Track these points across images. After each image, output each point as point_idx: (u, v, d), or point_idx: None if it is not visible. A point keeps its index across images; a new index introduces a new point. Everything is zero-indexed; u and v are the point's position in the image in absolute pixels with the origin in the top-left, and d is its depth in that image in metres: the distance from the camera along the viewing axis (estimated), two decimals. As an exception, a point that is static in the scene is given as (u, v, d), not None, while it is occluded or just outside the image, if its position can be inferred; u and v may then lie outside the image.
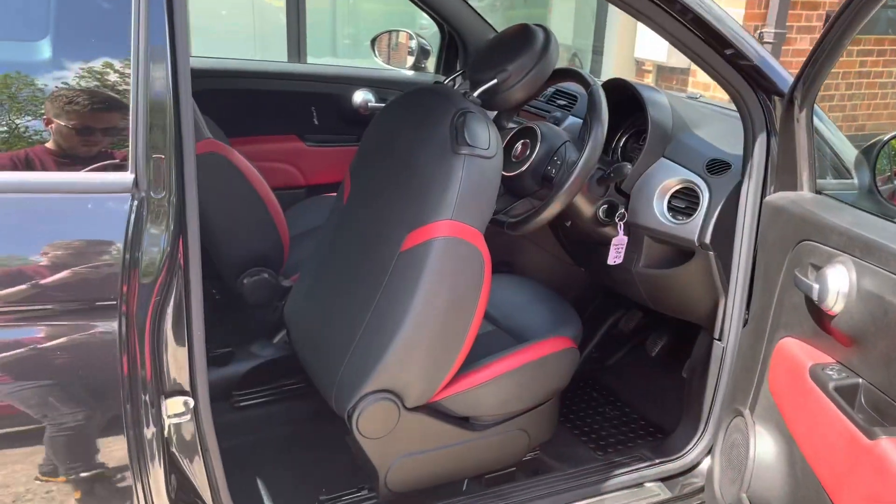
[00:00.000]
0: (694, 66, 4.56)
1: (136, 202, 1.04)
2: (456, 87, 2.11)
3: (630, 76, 5.91)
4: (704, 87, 5.09)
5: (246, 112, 2.42)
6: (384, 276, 1.45)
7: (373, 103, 2.56)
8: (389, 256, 1.44)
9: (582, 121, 1.75)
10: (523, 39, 1.58)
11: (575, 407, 2.11)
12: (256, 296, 1.95)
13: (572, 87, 2.11)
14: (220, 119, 2.23)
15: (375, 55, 2.66)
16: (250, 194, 1.87)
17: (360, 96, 2.56)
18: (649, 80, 5.72)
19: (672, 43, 1.49)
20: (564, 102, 2.09)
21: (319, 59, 5.92)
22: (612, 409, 2.11)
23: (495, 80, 1.55)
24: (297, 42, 4.59)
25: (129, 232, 1.03)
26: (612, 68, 5.78)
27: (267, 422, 1.92)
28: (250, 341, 1.98)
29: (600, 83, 1.65)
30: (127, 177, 1.04)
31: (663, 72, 5.69)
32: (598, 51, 6.08)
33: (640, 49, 5.70)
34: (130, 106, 1.03)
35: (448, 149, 1.39)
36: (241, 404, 1.91)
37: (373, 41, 2.56)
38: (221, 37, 5.24)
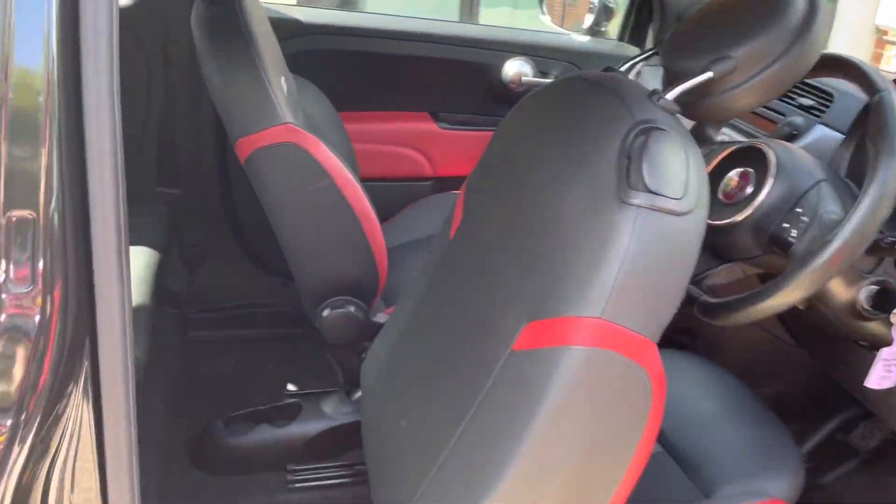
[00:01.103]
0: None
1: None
2: (638, 78, 1.47)
3: (866, 50, 4.81)
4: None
5: (365, 80, 1.92)
6: (486, 379, 0.90)
7: (529, 77, 1.96)
8: (495, 350, 0.89)
9: (844, 139, 1.07)
10: (765, 5, 0.92)
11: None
12: (337, 333, 1.47)
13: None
14: (329, 87, 1.75)
15: (543, 12, 2.05)
16: (337, 201, 1.37)
17: (514, 67, 1.97)
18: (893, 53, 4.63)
19: None
20: (811, 102, 1.36)
21: (495, 10, 5.33)
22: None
23: (710, 74, 0.90)
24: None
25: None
26: (846, 40, 4.71)
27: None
28: (323, 395, 1.51)
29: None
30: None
31: (913, 45, 4.57)
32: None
33: (883, 14, 4.63)
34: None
35: (610, 192, 0.79)
36: (299, 485, 1.45)
37: (542, -7, 1.97)
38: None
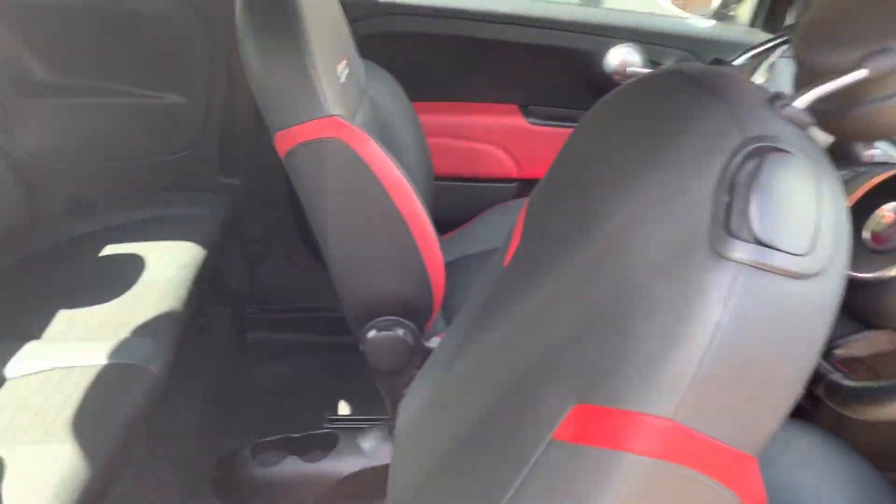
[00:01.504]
0: None
1: None
2: (769, 75, 1.19)
3: None
4: None
5: (445, 67, 1.70)
6: (521, 467, 0.67)
7: (635, 67, 1.68)
8: (535, 431, 0.66)
9: None
10: None
11: None
12: (382, 359, 1.28)
13: None
14: (404, 74, 1.55)
15: (664, -8, 1.77)
16: (385, 208, 1.17)
17: (619, 55, 1.69)
18: None
19: None
20: None
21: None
22: None
23: (863, 72, 0.63)
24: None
25: None
26: None
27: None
28: (363, 430, 1.32)
29: None
30: None
31: None
32: None
33: None
34: None
35: (701, 237, 0.55)
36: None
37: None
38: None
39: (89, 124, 1.65)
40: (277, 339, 1.85)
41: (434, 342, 1.30)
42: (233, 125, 1.68)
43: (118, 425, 1.03)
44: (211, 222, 1.63)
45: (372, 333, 1.25)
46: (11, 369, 1.12)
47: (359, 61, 1.45)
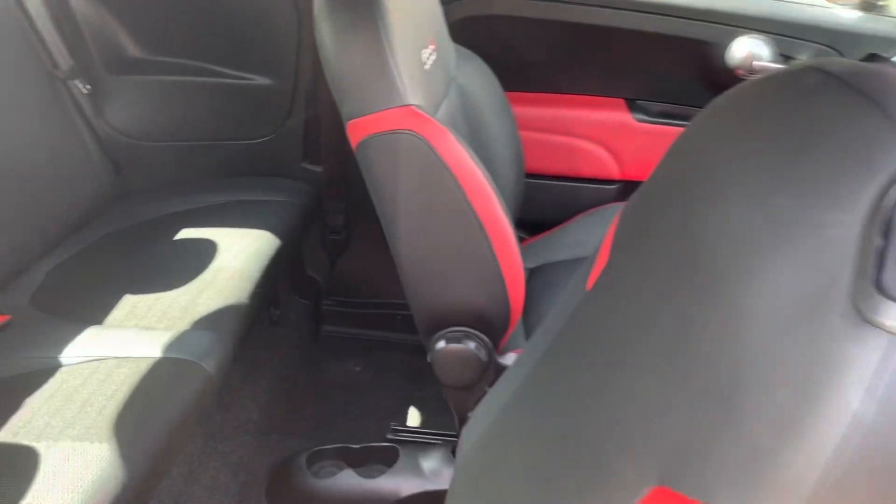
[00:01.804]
0: None
1: None
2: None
3: None
4: None
5: (544, 54, 1.56)
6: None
7: (763, 62, 1.48)
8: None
9: None
10: None
11: None
12: (450, 373, 1.16)
13: None
14: (499, 61, 1.43)
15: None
16: (460, 208, 1.05)
17: (745, 47, 1.50)
18: None
19: None
20: None
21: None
22: None
23: None
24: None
25: None
26: None
27: None
28: (428, 446, 1.22)
29: None
30: None
31: None
32: None
33: None
34: None
35: (839, 292, 0.41)
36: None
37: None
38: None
39: (177, 104, 1.62)
40: (352, 335, 1.78)
41: (509, 358, 1.18)
42: (318, 111, 1.61)
43: (163, 427, 0.97)
44: (292, 210, 1.57)
45: (441, 344, 1.15)
46: (67, 355, 1.08)
47: (450, 46, 1.34)
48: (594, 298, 0.74)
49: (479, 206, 1.05)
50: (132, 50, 1.61)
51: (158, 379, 1.03)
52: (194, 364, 1.07)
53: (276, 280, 1.43)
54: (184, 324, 1.15)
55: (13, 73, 1.40)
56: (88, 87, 1.54)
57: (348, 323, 1.78)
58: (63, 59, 1.50)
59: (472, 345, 1.14)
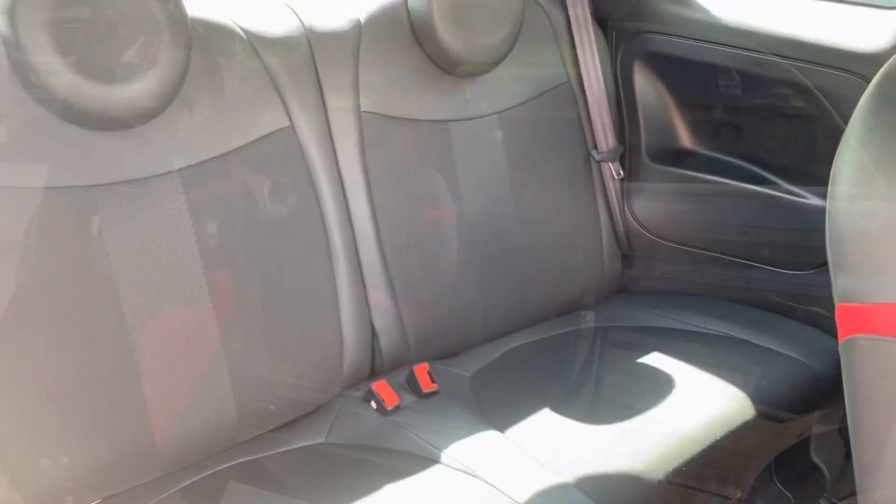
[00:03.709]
0: None
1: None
2: None
3: None
4: None
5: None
6: None
7: None
8: None
9: None
10: None
11: None
12: None
13: None
14: None
15: None
16: None
17: None
18: None
19: None
20: None
21: None
22: None
23: None
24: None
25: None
26: None
27: None
28: None
29: None
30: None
31: None
32: None
33: None
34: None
35: None
36: None
37: None
38: None
39: (711, 207, 1.40)
40: None
41: None
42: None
43: None
44: (803, 374, 1.19)
45: None
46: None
47: None
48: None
49: None
50: (684, 140, 1.45)
51: None
52: None
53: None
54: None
55: (557, 149, 1.39)
56: (622, 173, 1.44)
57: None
58: (605, 140, 1.42)
59: None
